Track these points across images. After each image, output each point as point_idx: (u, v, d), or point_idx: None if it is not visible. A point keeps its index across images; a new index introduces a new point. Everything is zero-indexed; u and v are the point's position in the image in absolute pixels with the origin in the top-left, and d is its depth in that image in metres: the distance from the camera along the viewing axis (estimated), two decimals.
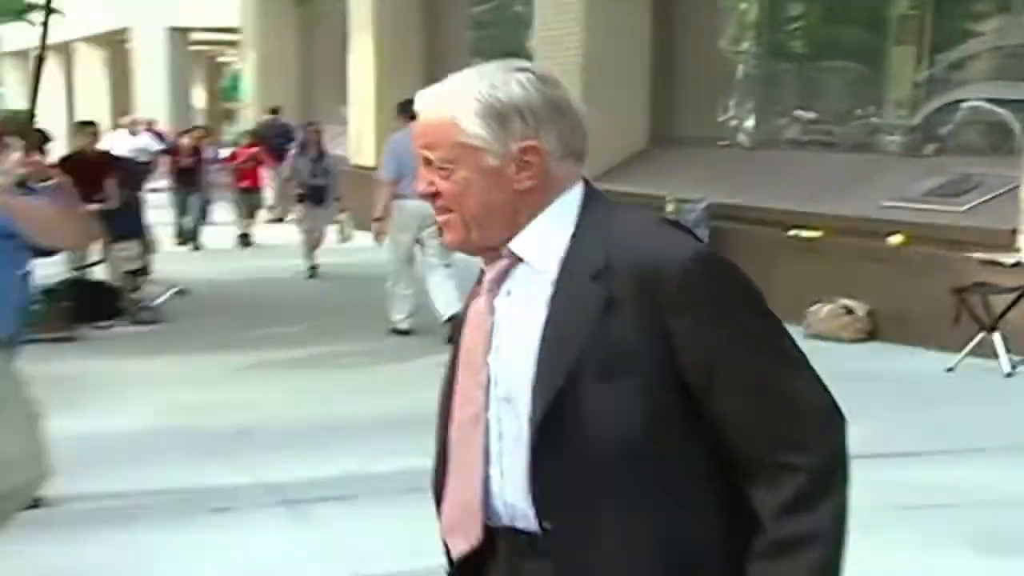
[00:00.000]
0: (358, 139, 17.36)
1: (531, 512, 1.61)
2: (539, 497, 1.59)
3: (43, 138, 9.70)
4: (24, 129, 4.09)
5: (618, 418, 1.57)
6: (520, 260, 1.64)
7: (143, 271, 9.78)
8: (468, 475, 1.68)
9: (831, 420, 1.61)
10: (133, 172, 10.53)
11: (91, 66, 31.13)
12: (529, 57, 13.24)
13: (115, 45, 29.09)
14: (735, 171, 10.75)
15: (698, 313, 1.55)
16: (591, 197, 1.67)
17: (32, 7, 19.35)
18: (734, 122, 12.43)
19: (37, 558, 4.03)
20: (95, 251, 9.34)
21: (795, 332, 7.51)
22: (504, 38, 16.07)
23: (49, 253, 3.95)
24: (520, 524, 1.64)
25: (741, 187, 10.25)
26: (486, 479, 1.66)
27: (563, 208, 1.65)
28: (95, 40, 29.72)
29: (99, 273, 9.70)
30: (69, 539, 3.98)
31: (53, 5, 19.83)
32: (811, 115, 11.70)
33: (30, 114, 27.42)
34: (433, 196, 1.64)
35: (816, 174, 9.88)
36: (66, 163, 9.83)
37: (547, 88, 1.62)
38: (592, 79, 11.67)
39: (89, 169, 9.48)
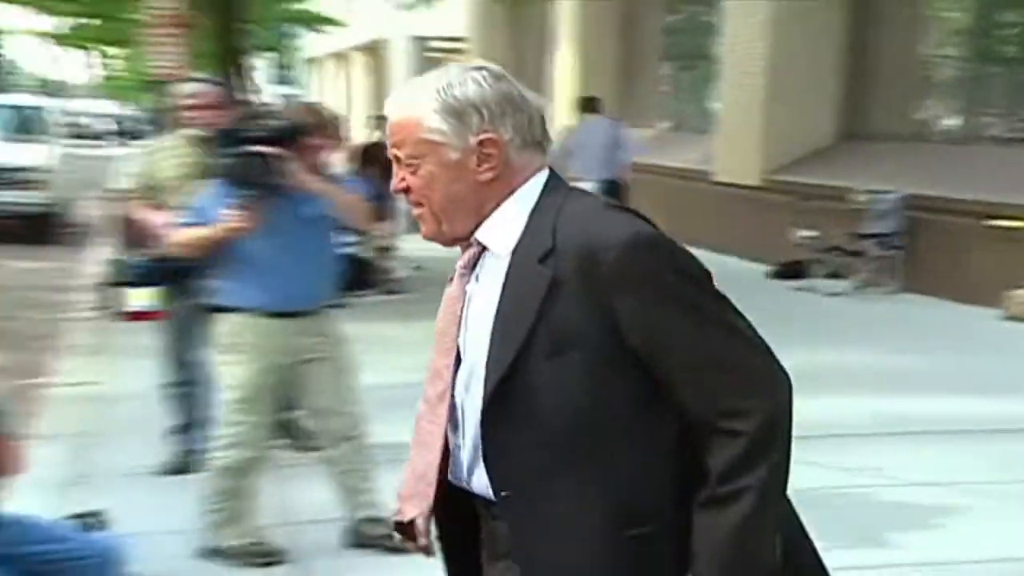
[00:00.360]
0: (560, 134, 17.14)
1: (487, 480, 1.55)
2: (493, 466, 1.53)
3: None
4: (327, 122, 4.29)
5: (566, 392, 1.49)
6: (486, 248, 1.57)
7: (391, 248, 9.75)
8: (430, 447, 1.62)
9: (772, 386, 1.50)
10: (385, 162, 10.49)
11: (359, 70, 32.02)
12: (716, 61, 12.51)
13: (376, 53, 29.76)
14: (930, 165, 9.75)
15: (640, 292, 1.45)
16: (551, 185, 1.57)
17: (320, 19, 20.58)
18: (930, 119, 11.38)
19: (295, 493, 4.13)
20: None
21: (993, 315, 6.70)
22: (694, 44, 15.24)
23: (346, 232, 4.09)
24: (480, 491, 1.57)
25: (936, 180, 9.30)
26: (449, 450, 1.61)
27: (524, 196, 1.55)
28: (362, 48, 30.51)
29: (358, 250, 9.73)
30: (318, 480, 3.94)
31: (335, 17, 21.05)
32: (1014, 114, 10.48)
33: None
34: (405, 191, 1.57)
35: (1017, 169, 8.81)
36: (364, 153, 10.00)
37: (501, 84, 1.54)
38: (777, 80, 11.01)
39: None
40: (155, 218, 4.24)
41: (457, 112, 1.50)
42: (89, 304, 8.13)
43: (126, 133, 34.07)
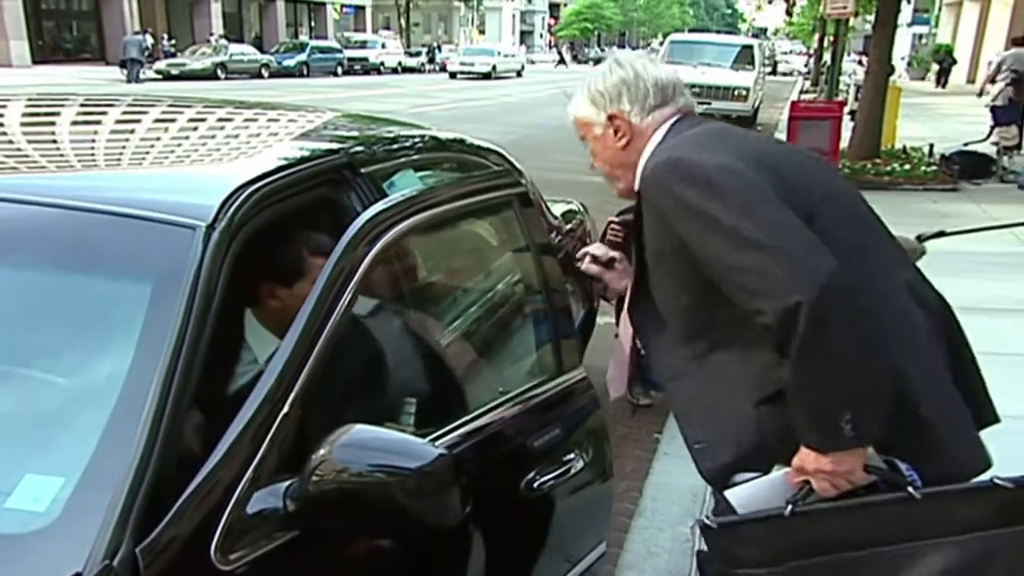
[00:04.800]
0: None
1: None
2: (652, 364, 1.54)
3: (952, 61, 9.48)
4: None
5: (674, 296, 1.43)
6: None
7: (1016, 148, 9.18)
8: (623, 347, 1.65)
9: (788, 284, 1.21)
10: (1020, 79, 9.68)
11: (1002, 11, 27.61)
12: None
13: None
14: None
15: (670, 211, 1.34)
16: (670, 131, 1.49)
17: None
18: None
19: None
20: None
21: None
22: None
23: None
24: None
25: None
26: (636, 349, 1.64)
27: (650, 148, 1.50)
28: None
29: (982, 147, 9.37)
30: None
31: None
32: None
33: (949, 47, 25.82)
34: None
35: None
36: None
37: (619, 71, 1.52)
38: None
39: None
40: None
41: (593, 99, 1.53)
42: None
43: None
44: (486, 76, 31.14)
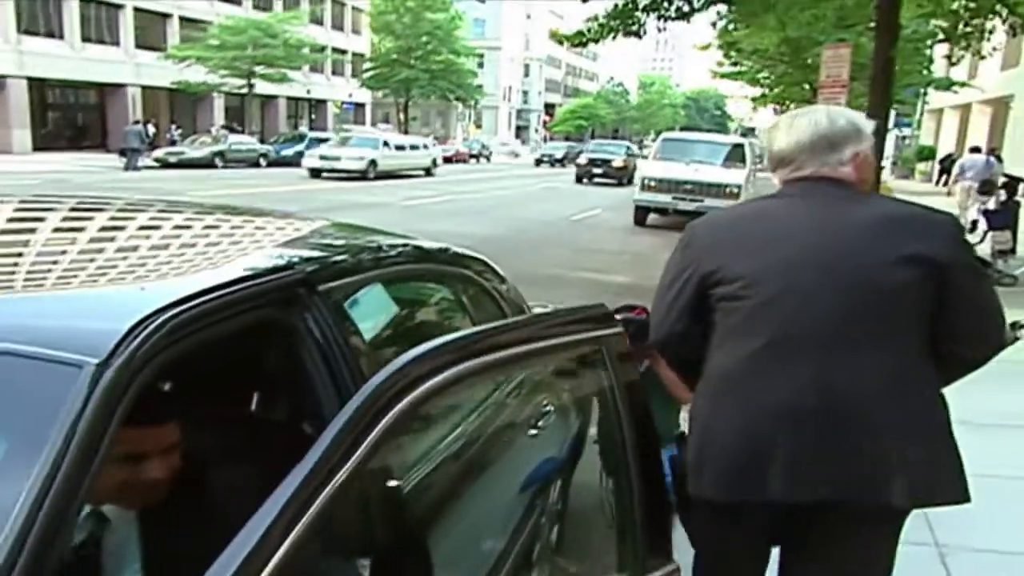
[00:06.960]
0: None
1: None
2: None
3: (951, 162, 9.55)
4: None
5: None
6: None
7: (1010, 251, 9.12)
8: None
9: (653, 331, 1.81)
10: (1014, 184, 9.73)
11: (981, 119, 28.46)
12: None
13: (1001, 107, 26.09)
14: None
15: None
16: (772, 196, 1.76)
17: (953, 83, 19.64)
18: None
19: None
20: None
21: None
22: None
23: None
24: None
25: None
26: None
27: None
28: (987, 102, 27.03)
29: (978, 250, 9.30)
30: None
31: (967, 81, 19.64)
32: None
33: (932, 150, 26.41)
34: None
35: None
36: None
37: (771, 130, 1.81)
38: None
39: None
40: None
41: None
42: None
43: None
44: (361, 176, 21.87)
